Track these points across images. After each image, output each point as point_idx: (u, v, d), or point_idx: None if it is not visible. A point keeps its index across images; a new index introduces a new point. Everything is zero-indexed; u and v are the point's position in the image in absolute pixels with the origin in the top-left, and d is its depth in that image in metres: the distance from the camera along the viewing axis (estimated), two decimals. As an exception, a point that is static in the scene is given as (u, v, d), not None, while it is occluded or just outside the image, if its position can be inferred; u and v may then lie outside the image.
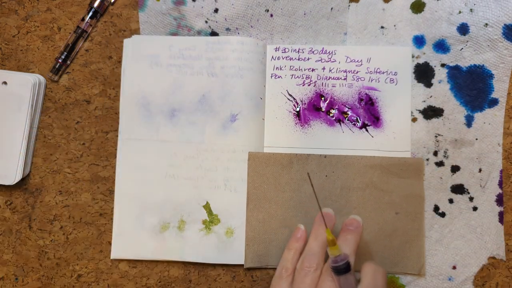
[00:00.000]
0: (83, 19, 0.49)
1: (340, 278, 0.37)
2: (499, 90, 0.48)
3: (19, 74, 0.49)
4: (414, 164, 0.47)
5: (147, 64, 0.49)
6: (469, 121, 0.48)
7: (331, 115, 0.49)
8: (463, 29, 0.48)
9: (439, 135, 0.48)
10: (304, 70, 0.49)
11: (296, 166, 0.47)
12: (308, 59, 0.49)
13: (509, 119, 0.48)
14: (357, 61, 0.49)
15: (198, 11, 0.49)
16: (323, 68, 0.49)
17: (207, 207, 0.48)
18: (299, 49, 0.50)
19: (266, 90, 0.49)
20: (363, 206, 0.47)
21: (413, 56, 0.49)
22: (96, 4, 0.49)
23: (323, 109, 0.49)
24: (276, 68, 0.50)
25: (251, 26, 0.50)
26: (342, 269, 0.37)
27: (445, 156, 0.48)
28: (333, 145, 0.48)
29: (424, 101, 0.49)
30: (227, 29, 0.50)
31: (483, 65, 0.48)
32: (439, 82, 0.49)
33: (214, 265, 0.48)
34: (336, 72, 0.49)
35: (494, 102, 0.48)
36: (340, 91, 0.49)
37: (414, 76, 0.49)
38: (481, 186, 0.48)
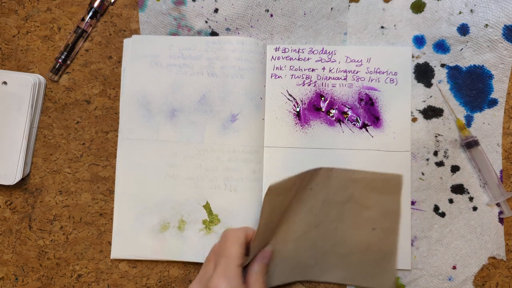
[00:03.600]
0: (83, 19, 0.49)
1: (471, 150, 0.47)
2: (498, 91, 0.48)
3: (19, 74, 0.49)
4: (393, 179, 0.45)
5: (147, 64, 0.49)
6: (468, 121, 0.48)
7: (331, 115, 0.49)
8: (463, 29, 0.48)
9: (439, 135, 0.48)
10: (304, 70, 0.49)
11: (315, 187, 0.44)
12: (308, 59, 0.49)
13: (509, 119, 0.48)
14: (357, 61, 0.49)
15: (198, 11, 0.49)
16: (323, 68, 0.49)
17: (207, 207, 0.48)
18: (299, 49, 0.50)
19: (266, 90, 0.49)
20: (342, 220, 0.45)
21: (413, 56, 0.49)
22: (96, 4, 0.49)
23: (323, 109, 0.49)
24: (276, 68, 0.50)
25: (251, 26, 0.50)
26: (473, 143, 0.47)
27: (445, 156, 0.48)
28: (333, 145, 0.48)
29: (424, 101, 0.49)
30: (227, 29, 0.50)
31: (483, 65, 0.48)
32: (439, 82, 0.49)
33: (214, 265, 0.48)
34: (336, 72, 0.49)
35: (494, 102, 0.48)
36: (340, 91, 0.49)
37: (414, 76, 0.49)
38: (481, 186, 0.48)
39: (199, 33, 0.50)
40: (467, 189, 0.48)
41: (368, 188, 0.45)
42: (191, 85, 0.49)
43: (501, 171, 0.48)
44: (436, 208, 0.48)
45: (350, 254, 0.45)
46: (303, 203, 0.44)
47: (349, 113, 0.49)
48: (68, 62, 0.50)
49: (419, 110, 0.49)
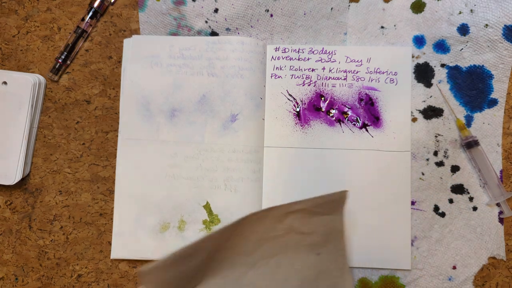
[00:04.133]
0: (83, 19, 0.49)
1: (471, 150, 0.47)
2: (498, 91, 0.48)
3: (19, 74, 0.49)
4: (337, 199, 0.40)
5: (147, 64, 0.49)
6: (468, 121, 0.48)
7: (331, 115, 0.49)
8: (463, 29, 0.48)
9: (439, 135, 0.48)
10: (304, 70, 0.49)
11: (201, 253, 0.38)
12: (308, 59, 0.49)
13: (509, 119, 0.48)
14: (357, 61, 0.49)
15: (198, 11, 0.49)
16: (323, 68, 0.49)
17: (207, 207, 0.48)
18: (299, 49, 0.50)
19: (266, 90, 0.49)
20: (284, 252, 0.41)
21: (413, 56, 0.49)
22: (96, 4, 0.49)
23: (323, 109, 0.49)
24: (276, 68, 0.50)
25: (251, 26, 0.50)
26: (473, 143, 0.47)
27: (445, 156, 0.48)
28: (333, 145, 0.48)
29: (424, 101, 0.49)
30: (227, 29, 0.50)
31: (483, 65, 0.48)
32: (439, 82, 0.49)
33: (214, 265, 0.48)
34: (336, 72, 0.49)
35: (494, 102, 0.48)
36: (340, 91, 0.49)
37: (414, 76, 0.49)
38: (481, 186, 0.48)
39: (199, 33, 0.50)
40: (467, 189, 0.48)
41: (308, 215, 0.41)
42: (191, 85, 0.49)
43: (501, 171, 0.48)
44: (436, 208, 0.48)
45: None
46: (231, 249, 0.40)
47: (349, 113, 0.49)
48: (68, 62, 0.50)
49: (419, 110, 0.49)
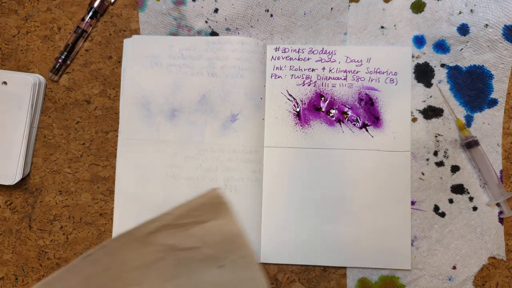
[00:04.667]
0: (83, 19, 0.49)
1: (471, 150, 0.47)
2: (498, 91, 0.48)
3: (19, 74, 0.49)
4: (208, 201, 0.35)
5: (147, 64, 0.49)
6: (468, 121, 0.48)
7: (331, 115, 0.49)
8: (463, 29, 0.48)
9: (439, 135, 0.48)
10: (304, 70, 0.49)
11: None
12: (308, 59, 0.49)
13: (509, 119, 0.48)
14: (357, 61, 0.49)
15: (198, 11, 0.49)
16: (323, 68, 0.49)
17: (207, 207, 0.48)
18: (299, 49, 0.50)
19: (266, 90, 0.49)
20: (174, 276, 0.36)
21: (413, 56, 0.49)
22: (96, 4, 0.49)
23: (323, 109, 0.49)
24: (276, 68, 0.50)
25: (251, 26, 0.50)
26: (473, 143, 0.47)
27: (445, 156, 0.48)
28: (333, 145, 0.48)
29: (424, 101, 0.49)
30: (227, 29, 0.50)
31: (483, 65, 0.48)
32: (439, 82, 0.49)
33: (214, 265, 0.48)
34: (336, 72, 0.49)
35: (494, 102, 0.48)
36: (340, 91, 0.49)
37: (414, 76, 0.49)
38: (481, 186, 0.48)
39: (199, 33, 0.50)
40: (467, 189, 0.48)
41: (181, 228, 0.35)
42: (191, 85, 0.49)
43: (501, 171, 0.48)
44: (436, 208, 0.48)
45: None
46: (112, 282, 0.35)
47: (349, 113, 0.49)
48: (68, 62, 0.50)
49: (419, 110, 0.49)
